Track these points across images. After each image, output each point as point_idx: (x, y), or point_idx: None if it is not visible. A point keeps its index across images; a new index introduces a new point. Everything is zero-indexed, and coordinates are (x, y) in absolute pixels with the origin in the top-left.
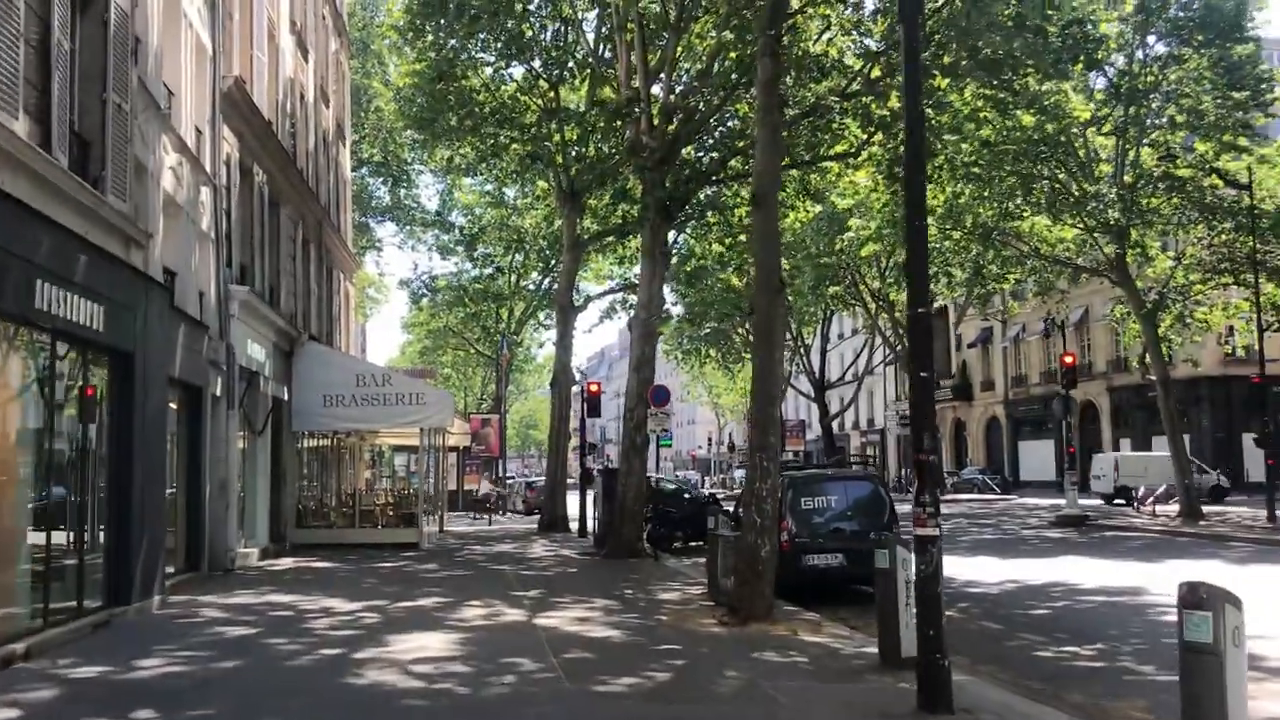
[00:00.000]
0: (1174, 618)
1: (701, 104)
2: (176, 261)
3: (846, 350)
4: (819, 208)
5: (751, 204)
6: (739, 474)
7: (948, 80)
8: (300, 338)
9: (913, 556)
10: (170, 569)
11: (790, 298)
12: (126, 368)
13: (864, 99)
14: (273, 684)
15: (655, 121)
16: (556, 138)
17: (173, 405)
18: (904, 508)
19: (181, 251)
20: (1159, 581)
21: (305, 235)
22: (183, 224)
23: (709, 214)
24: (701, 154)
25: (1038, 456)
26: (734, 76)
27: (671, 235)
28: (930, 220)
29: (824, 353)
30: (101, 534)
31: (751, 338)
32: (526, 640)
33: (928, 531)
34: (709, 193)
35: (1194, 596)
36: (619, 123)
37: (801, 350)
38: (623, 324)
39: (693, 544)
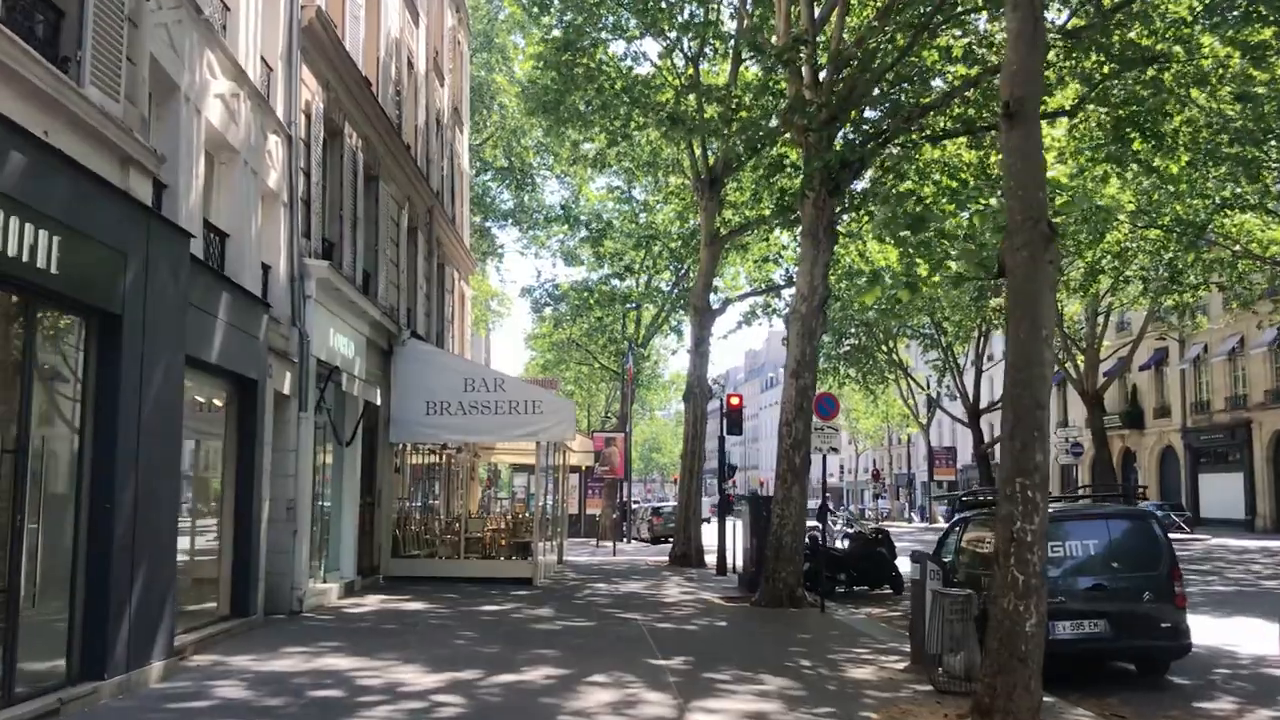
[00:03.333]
0: None
1: (884, 46)
2: (229, 219)
3: (999, 373)
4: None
5: (1003, 118)
6: (881, 504)
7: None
8: (401, 334)
9: None
10: (212, 604)
11: (944, 309)
12: (109, 335)
13: (1099, 35)
14: None
15: (821, 75)
16: (695, 117)
17: (216, 402)
18: None
19: (237, 208)
20: None
21: (412, 221)
22: (239, 174)
23: (870, 203)
24: (880, 111)
25: (1222, 491)
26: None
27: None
28: (1121, 217)
29: (979, 373)
30: (69, 577)
31: (1005, 310)
32: None
33: None
34: (890, 154)
35: None
36: (776, 76)
37: (953, 370)
38: (750, 343)
39: (856, 588)
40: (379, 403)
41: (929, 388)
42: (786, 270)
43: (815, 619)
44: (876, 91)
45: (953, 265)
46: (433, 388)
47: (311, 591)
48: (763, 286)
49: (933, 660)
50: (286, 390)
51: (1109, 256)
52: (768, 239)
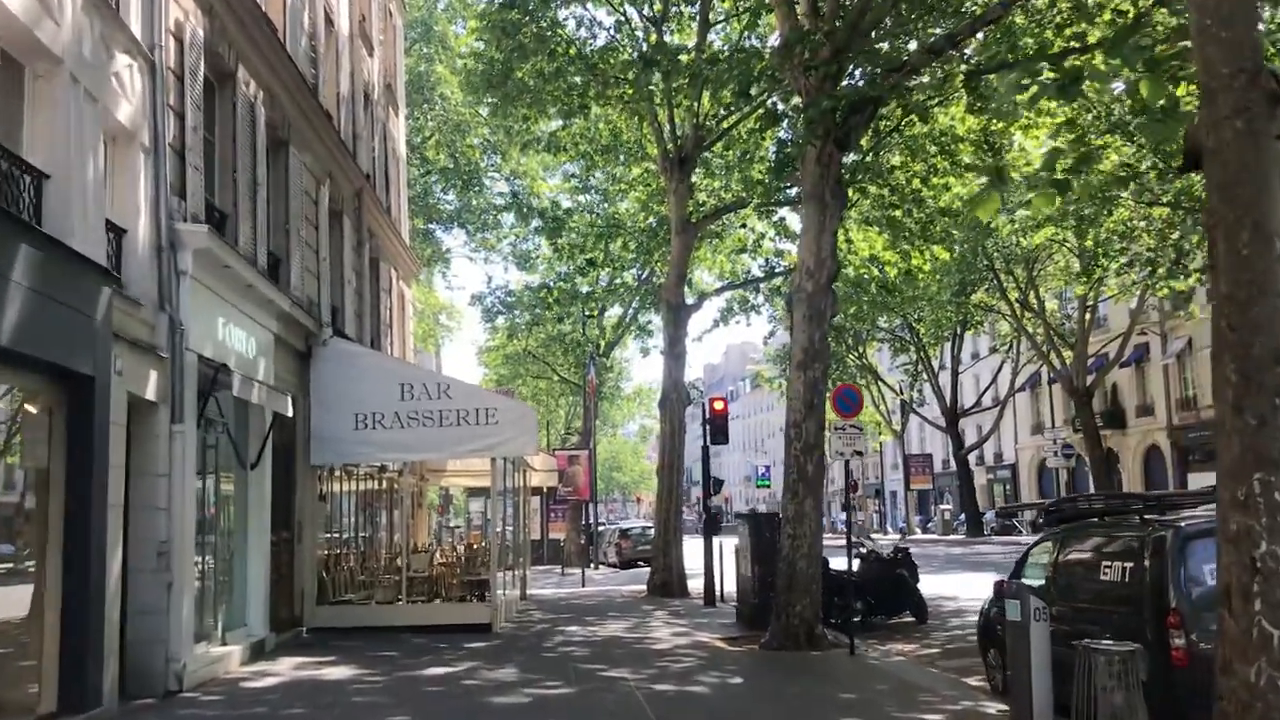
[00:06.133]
0: None
1: None
2: (49, 154)
3: (971, 377)
4: (971, 186)
5: None
6: (858, 517)
7: None
8: (322, 333)
9: None
10: (31, 694)
11: (923, 308)
12: None
13: None
14: None
15: (822, 4)
16: (661, 88)
17: (30, 408)
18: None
19: (63, 140)
20: None
21: (336, 203)
22: (65, 94)
23: (863, 177)
24: (899, 42)
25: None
26: None
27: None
28: (1124, 194)
29: (955, 376)
30: None
31: (1207, 215)
32: None
33: None
34: (921, 84)
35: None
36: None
37: (929, 372)
38: (709, 356)
39: (875, 617)
40: (292, 414)
41: (902, 392)
42: (766, 261)
43: (846, 665)
44: (890, 21)
45: (945, 255)
46: (362, 396)
47: (201, 660)
48: (740, 280)
49: None
50: (151, 394)
51: (1115, 237)
52: (745, 225)
